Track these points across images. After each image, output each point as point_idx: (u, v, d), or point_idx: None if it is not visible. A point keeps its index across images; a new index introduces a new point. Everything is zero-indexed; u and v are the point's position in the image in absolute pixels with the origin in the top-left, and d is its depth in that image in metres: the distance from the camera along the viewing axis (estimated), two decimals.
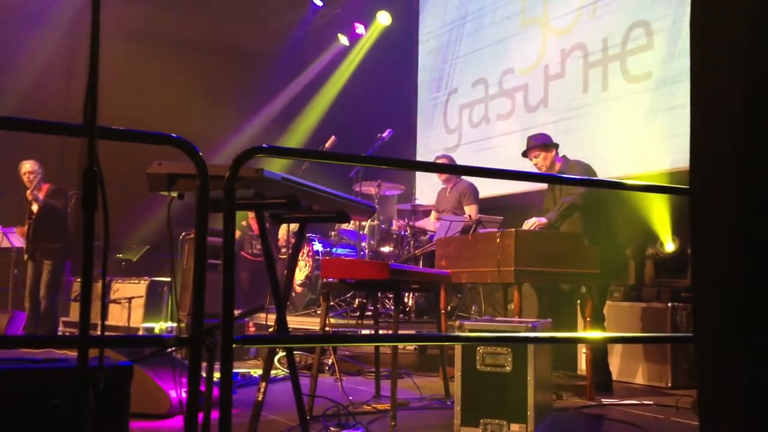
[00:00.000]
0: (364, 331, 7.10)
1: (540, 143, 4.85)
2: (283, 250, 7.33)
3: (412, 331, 5.60)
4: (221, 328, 1.83)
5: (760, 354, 1.20)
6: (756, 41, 1.23)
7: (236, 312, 1.92)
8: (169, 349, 3.95)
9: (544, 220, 4.61)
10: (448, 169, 5.90)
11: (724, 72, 1.29)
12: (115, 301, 7.28)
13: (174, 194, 2.27)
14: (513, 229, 4.37)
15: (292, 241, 6.72)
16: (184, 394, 2.68)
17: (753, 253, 1.23)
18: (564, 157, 4.90)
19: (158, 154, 2.13)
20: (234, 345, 1.78)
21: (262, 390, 2.55)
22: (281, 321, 2.34)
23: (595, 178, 4.62)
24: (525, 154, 4.94)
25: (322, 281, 4.04)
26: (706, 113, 1.34)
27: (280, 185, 2.28)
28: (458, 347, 3.18)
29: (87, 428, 1.58)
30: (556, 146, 4.89)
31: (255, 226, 8.57)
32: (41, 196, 6.64)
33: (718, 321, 1.28)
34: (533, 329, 3.19)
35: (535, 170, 4.85)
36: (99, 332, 1.73)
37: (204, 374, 1.96)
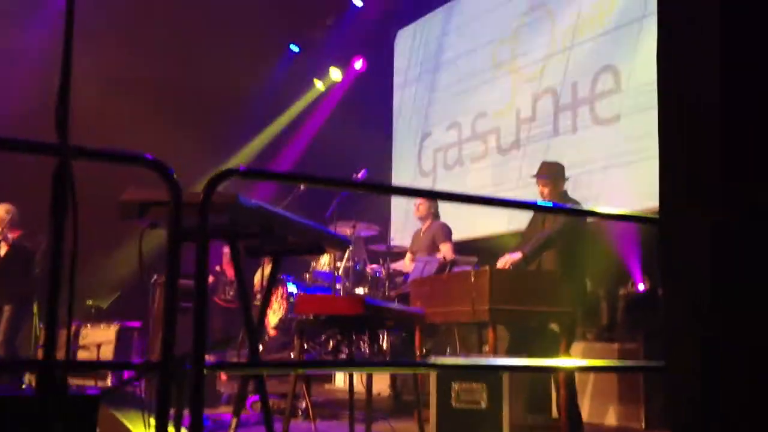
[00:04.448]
0: (339, 373, 7.00)
1: (552, 176, 4.76)
2: (258, 296, 7.25)
3: (386, 374, 5.53)
4: (192, 355, 1.79)
5: (733, 380, 1.20)
6: (724, 64, 1.25)
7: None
8: (138, 383, 3.82)
9: (517, 255, 4.59)
10: (433, 195, 5.89)
11: (693, 96, 1.31)
12: (83, 347, 7.11)
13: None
14: (487, 267, 4.37)
15: None
16: None
17: (723, 279, 1.24)
18: (565, 192, 4.87)
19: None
20: (205, 371, 1.74)
21: (233, 427, 2.49)
22: (253, 350, 2.30)
23: (572, 206, 4.60)
24: (536, 177, 4.86)
25: (296, 319, 3.99)
26: (674, 140, 1.36)
27: (254, 212, 2.26)
28: (433, 383, 3.15)
29: None
30: (566, 179, 4.85)
31: (228, 272, 8.49)
32: (11, 237, 6.54)
33: (690, 346, 1.28)
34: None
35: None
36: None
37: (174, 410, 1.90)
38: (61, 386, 1.62)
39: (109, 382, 6.75)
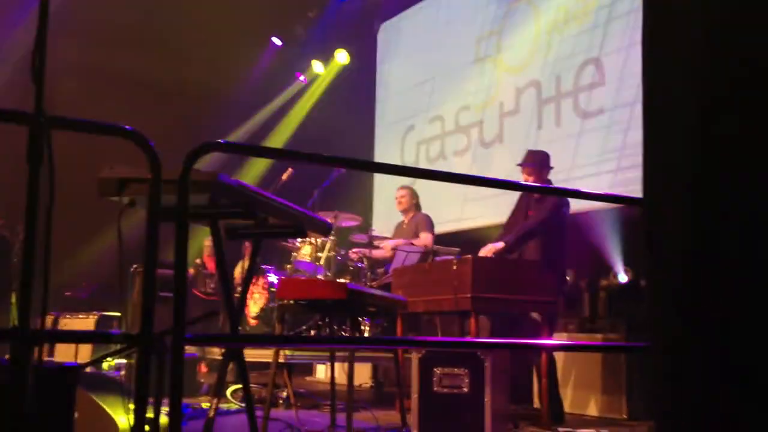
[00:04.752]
0: (320, 365, 6.97)
1: (537, 165, 4.78)
2: (239, 288, 7.20)
3: (369, 364, 5.52)
4: (173, 328, 1.77)
5: (713, 368, 1.20)
6: (708, 53, 1.25)
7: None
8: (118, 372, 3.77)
9: (500, 244, 4.61)
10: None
11: (677, 83, 1.31)
12: None
13: (126, 200, 2.21)
14: (469, 256, 4.37)
15: None
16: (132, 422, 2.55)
17: (706, 262, 1.24)
18: (549, 181, 4.90)
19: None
20: (185, 345, 1.72)
21: (213, 406, 2.47)
22: (234, 326, 2.28)
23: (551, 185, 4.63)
24: (521, 165, 4.88)
25: (278, 305, 3.97)
26: (659, 124, 1.36)
27: (235, 191, 2.24)
28: (415, 368, 3.14)
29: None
30: (551, 168, 4.88)
31: (209, 264, 8.42)
32: None
33: (673, 331, 1.28)
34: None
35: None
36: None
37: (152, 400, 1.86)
38: (37, 357, 1.59)
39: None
